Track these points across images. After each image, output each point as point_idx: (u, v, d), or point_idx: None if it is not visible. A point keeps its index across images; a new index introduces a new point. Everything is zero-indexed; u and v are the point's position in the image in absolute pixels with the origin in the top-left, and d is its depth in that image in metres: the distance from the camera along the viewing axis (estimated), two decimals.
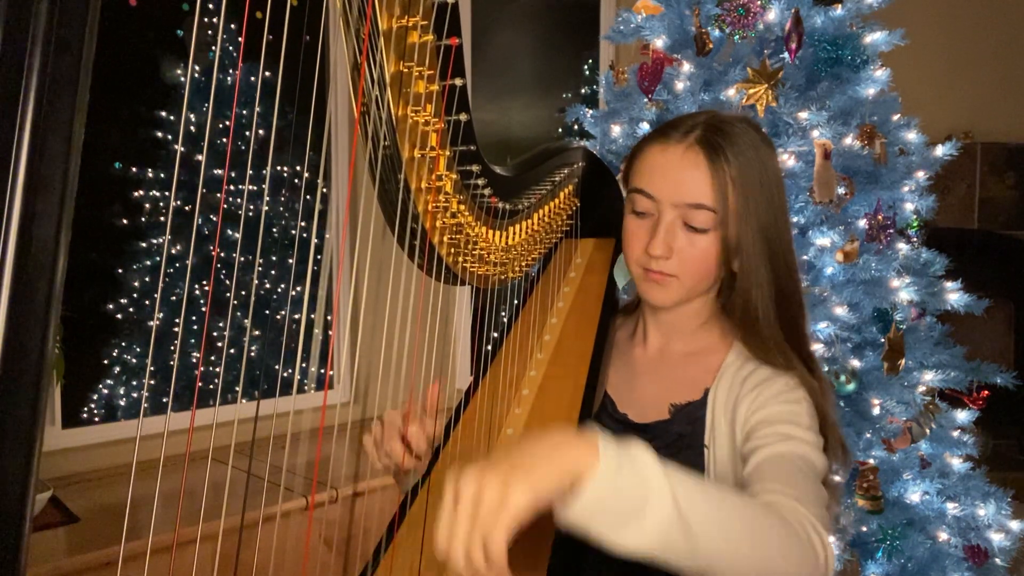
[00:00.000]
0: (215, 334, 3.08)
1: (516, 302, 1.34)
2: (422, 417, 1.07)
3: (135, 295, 2.95)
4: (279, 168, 3.13)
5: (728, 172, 1.01)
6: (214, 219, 2.99)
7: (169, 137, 2.92)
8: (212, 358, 3.04)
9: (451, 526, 0.68)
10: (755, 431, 0.99)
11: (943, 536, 1.95)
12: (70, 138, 0.50)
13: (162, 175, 2.94)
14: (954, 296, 2.02)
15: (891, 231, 1.91)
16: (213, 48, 2.86)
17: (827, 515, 0.89)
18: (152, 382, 2.96)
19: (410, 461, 1.06)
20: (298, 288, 2.93)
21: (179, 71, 2.93)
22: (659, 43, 2.07)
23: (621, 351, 1.22)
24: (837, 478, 1.87)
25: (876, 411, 1.87)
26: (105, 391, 2.93)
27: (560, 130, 3.99)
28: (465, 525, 0.67)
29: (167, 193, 2.92)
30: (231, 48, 3.05)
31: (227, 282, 3.03)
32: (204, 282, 3.07)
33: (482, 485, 0.67)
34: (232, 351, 2.98)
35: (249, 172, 2.98)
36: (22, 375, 0.50)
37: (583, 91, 4.06)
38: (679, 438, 1.07)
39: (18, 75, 0.47)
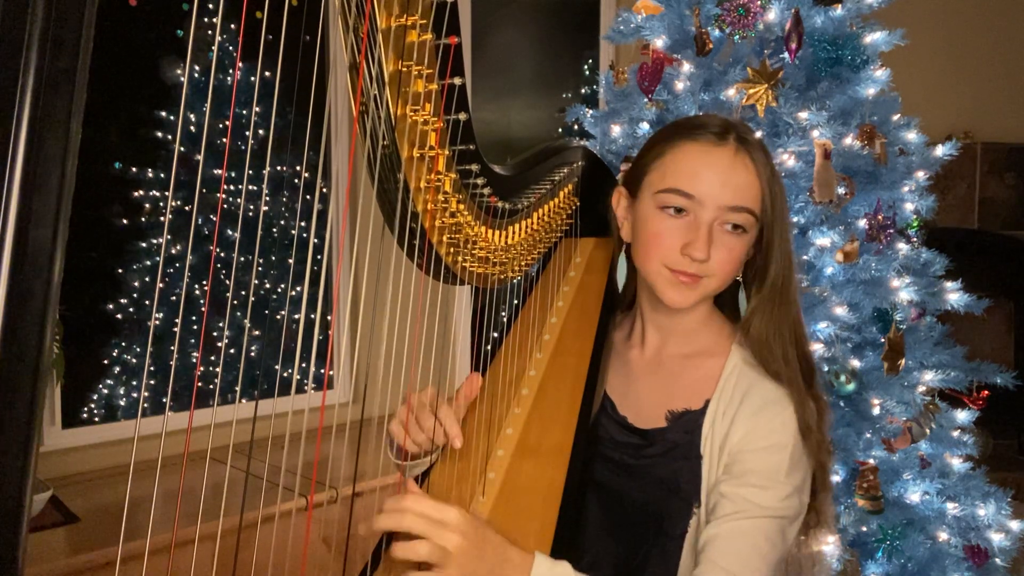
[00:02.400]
0: (214, 334, 3.08)
1: (516, 301, 1.34)
2: (453, 401, 1.07)
3: (135, 295, 2.95)
4: (278, 168, 3.13)
5: (766, 177, 1.04)
6: (214, 219, 2.99)
7: (169, 137, 2.92)
8: (212, 358, 3.04)
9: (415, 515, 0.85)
10: (733, 471, 1.01)
11: (943, 536, 1.95)
12: (67, 138, 0.50)
13: (162, 175, 2.94)
14: (954, 296, 2.02)
15: (891, 231, 1.91)
16: (213, 48, 2.86)
17: None
18: (152, 382, 2.95)
19: (441, 438, 1.05)
20: (297, 288, 2.93)
21: (179, 71, 2.93)
22: (659, 43, 2.07)
23: (618, 352, 1.21)
24: (836, 478, 1.88)
25: (876, 411, 1.87)
26: (105, 391, 2.92)
27: (560, 130, 3.99)
28: (416, 525, 0.84)
29: (167, 193, 2.92)
30: (231, 48, 3.05)
31: (227, 282, 3.03)
32: (204, 282, 3.07)
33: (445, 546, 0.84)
34: (232, 351, 2.97)
35: (248, 172, 2.98)
36: (19, 375, 0.50)
37: (583, 91, 4.06)
38: (676, 447, 1.08)
39: (14, 74, 0.47)
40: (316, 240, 3.08)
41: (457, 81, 0.91)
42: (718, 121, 1.07)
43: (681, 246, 1.04)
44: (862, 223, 1.91)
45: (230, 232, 3.07)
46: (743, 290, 1.11)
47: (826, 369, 1.84)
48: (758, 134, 1.12)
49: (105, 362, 2.93)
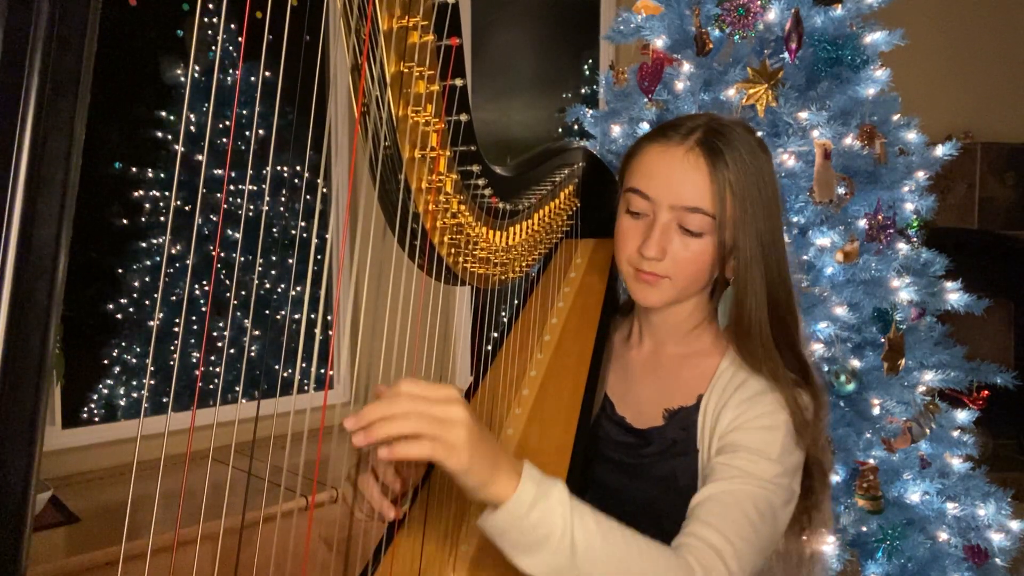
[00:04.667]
0: (215, 334, 3.08)
1: (516, 302, 1.35)
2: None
3: (135, 295, 2.95)
4: (279, 168, 3.13)
5: (727, 177, 1.02)
6: (214, 219, 2.99)
7: (169, 137, 2.92)
8: (212, 358, 3.04)
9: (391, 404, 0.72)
10: (724, 450, 1.01)
11: (943, 536, 1.95)
12: (71, 138, 0.50)
13: (162, 175, 2.94)
14: (954, 296, 2.02)
15: (891, 231, 1.91)
16: (213, 48, 2.86)
17: (758, 559, 0.93)
18: (152, 382, 2.96)
19: (388, 507, 0.95)
20: (298, 288, 2.93)
21: (179, 71, 2.93)
22: (659, 43, 2.07)
23: (617, 353, 1.22)
24: (836, 478, 1.88)
25: (876, 411, 1.87)
26: (105, 391, 2.93)
27: (560, 130, 3.99)
28: (403, 408, 0.72)
29: (167, 193, 2.92)
30: (231, 48, 3.05)
31: (227, 282, 3.03)
32: (204, 282, 3.07)
33: (443, 410, 0.73)
34: (232, 351, 2.98)
35: (249, 172, 2.98)
36: (23, 375, 0.50)
37: (583, 91, 4.06)
38: (673, 444, 1.08)
39: (19, 74, 0.47)
40: (316, 240, 3.08)
41: (458, 82, 0.91)
42: (694, 122, 1.06)
43: (638, 244, 1.05)
44: (862, 223, 1.91)
45: (231, 232, 3.08)
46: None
47: (826, 369, 1.84)
48: (758, 134, 1.11)
49: (105, 362, 2.93)
